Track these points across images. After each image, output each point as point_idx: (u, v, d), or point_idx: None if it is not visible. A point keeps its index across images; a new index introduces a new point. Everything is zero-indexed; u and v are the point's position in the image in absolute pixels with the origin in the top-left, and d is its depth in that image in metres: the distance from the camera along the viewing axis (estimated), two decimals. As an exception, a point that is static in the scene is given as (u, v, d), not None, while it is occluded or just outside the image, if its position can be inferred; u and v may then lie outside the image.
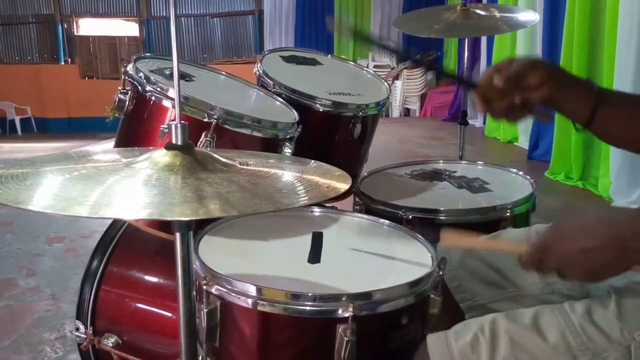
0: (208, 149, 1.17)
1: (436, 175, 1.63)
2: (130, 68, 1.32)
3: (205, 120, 1.20)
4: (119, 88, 1.32)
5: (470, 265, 1.11)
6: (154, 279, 1.34)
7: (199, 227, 1.09)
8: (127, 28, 11.99)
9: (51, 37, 11.82)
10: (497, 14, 2.07)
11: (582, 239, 0.76)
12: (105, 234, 1.38)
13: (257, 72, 1.58)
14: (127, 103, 1.31)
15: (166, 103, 1.25)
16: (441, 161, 1.78)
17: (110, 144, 1.50)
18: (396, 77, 8.81)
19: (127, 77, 1.31)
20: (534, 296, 1.05)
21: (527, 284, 1.07)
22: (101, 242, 1.37)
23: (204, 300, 0.91)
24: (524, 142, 5.52)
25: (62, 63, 11.70)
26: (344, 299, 0.84)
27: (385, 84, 1.78)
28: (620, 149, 1.03)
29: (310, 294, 0.85)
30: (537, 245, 0.81)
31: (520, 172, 1.63)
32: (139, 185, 0.72)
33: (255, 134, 1.26)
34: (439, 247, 1.13)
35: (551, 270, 0.80)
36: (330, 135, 1.54)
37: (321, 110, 1.48)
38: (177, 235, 0.76)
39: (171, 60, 0.78)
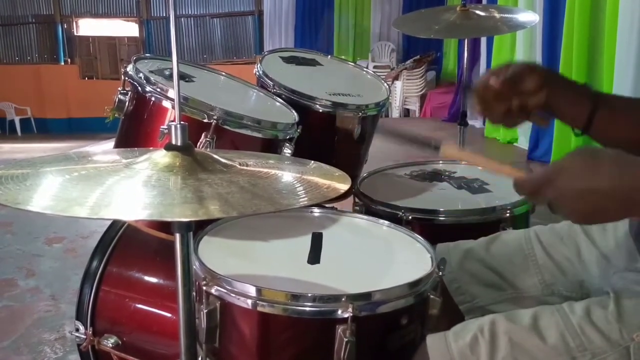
0: (208, 149, 1.17)
1: (436, 176, 1.63)
2: (130, 68, 1.32)
3: (205, 120, 1.20)
4: (119, 88, 1.32)
5: (469, 267, 1.11)
6: (153, 280, 1.34)
7: (198, 228, 1.09)
8: (127, 28, 11.99)
9: (51, 38, 11.82)
10: (497, 15, 2.07)
11: (586, 179, 0.72)
12: (104, 235, 1.38)
13: (257, 73, 1.58)
14: (127, 103, 1.31)
15: (166, 104, 1.25)
16: (441, 162, 1.78)
17: (110, 144, 1.50)
18: (396, 78, 8.80)
19: (127, 78, 1.31)
20: (533, 298, 1.05)
21: (527, 285, 1.07)
22: (101, 243, 1.37)
23: (203, 300, 0.91)
24: (523, 143, 5.52)
25: (62, 63, 11.70)
26: (343, 299, 0.84)
27: (385, 84, 1.78)
28: None
29: (309, 295, 0.85)
30: (539, 173, 0.78)
31: (520, 173, 1.63)
32: (138, 186, 0.72)
33: (255, 134, 1.26)
34: (438, 247, 1.13)
35: (544, 200, 0.77)
36: (330, 135, 1.54)
37: (321, 110, 1.48)
38: (177, 235, 0.76)
39: (171, 60, 0.78)
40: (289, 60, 1.73)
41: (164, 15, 11.60)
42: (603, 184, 0.71)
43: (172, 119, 1.20)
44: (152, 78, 1.27)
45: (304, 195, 0.76)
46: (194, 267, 0.93)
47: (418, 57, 8.85)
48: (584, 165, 0.74)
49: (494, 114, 0.97)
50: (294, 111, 1.43)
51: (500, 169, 0.93)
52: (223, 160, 0.81)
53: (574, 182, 0.73)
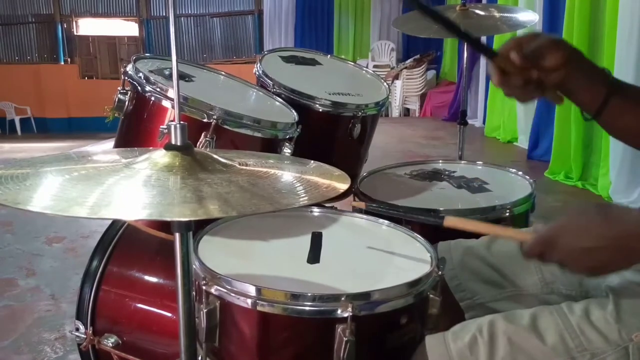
0: (207, 149, 1.17)
1: (436, 175, 1.63)
2: (129, 68, 1.32)
3: (205, 120, 1.20)
4: (119, 88, 1.32)
5: (470, 264, 1.11)
6: (153, 279, 1.34)
7: (198, 228, 1.09)
8: (127, 28, 11.98)
9: (51, 37, 11.81)
10: (497, 14, 2.07)
11: (586, 238, 0.77)
12: (105, 234, 1.38)
13: (257, 72, 1.58)
14: (126, 103, 1.31)
15: (165, 103, 1.25)
16: (441, 161, 1.79)
17: (109, 144, 1.50)
18: (396, 77, 8.81)
19: (126, 77, 1.31)
20: (534, 296, 1.05)
21: (527, 283, 1.07)
22: (101, 242, 1.37)
23: (203, 300, 0.91)
24: (523, 142, 5.52)
25: (62, 63, 11.69)
26: (343, 299, 0.84)
27: (385, 83, 1.78)
28: (623, 145, 1.02)
29: (309, 294, 0.85)
30: (541, 238, 0.81)
31: (520, 172, 1.63)
32: (138, 185, 0.72)
33: (255, 134, 1.26)
34: (439, 245, 1.14)
35: (552, 263, 0.81)
36: (330, 135, 1.54)
37: (321, 110, 1.48)
38: (177, 235, 0.76)
39: (170, 60, 0.78)
40: (288, 59, 1.73)
41: (164, 14, 11.58)
42: (604, 239, 0.76)
43: (171, 118, 1.20)
44: (151, 78, 1.27)
45: (303, 195, 0.76)
46: (194, 266, 0.93)
47: (418, 56, 8.86)
48: (581, 225, 0.79)
49: (510, 86, 0.94)
50: (293, 111, 1.43)
51: (505, 233, 0.95)
52: (223, 160, 0.81)
53: (576, 242, 0.78)
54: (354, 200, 1.47)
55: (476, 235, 1.17)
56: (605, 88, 0.92)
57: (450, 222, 0.94)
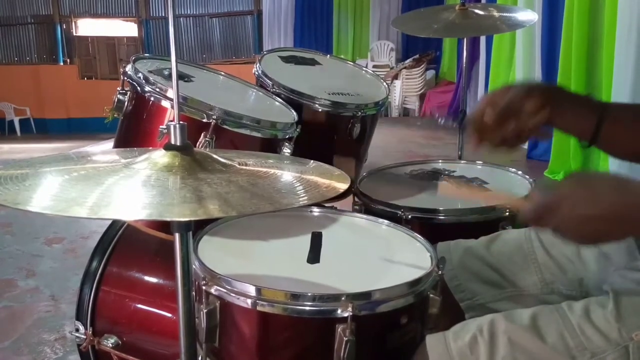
0: (207, 149, 1.17)
1: (435, 175, 1.63)
2: (129, 68, 1.32)
3: (204, 120, 1.20)
4: (118, 88, 1.32)
5: (470, 264, 1.11)
6: (153, 280, 1.34)
7: (198, 228, 1.09)
8: (126, 28, 11.98)
9: (50, 38, 11.81)
10: (496, 14, 2.07)
11: (586, 206, 0.75)
12: (104, 235, 1.38)
13: (256, 72, 1.58)
14: (126, 103, 1.31)
15: (165, 103, 1.25)
16: (440, 161, 1.78)
17: (109, 144, 1.50)
18: (395, 77, 8.80)
19: (126, 78, 1.31)
20: (534, 296, 1.05)
21: (527, 284, 1.07)
22: (100, 243, 1.37)
23: (203, 300, 0.91)
24: (523, 142, 5.51)
25: (61, 63, 11.69)
26: (343, 298, 0.84)
27: (384, 83, 1.78)
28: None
29: (309, 294, 0.85)
30: (539, 204, 0.80)
31: (519, 172, 1.63)
32: (138, 185, 0.72)
33: (254, 134, 1.26)
34: (439, 245, 1.13)
35: (549, 228, 0.80)
36: (330, 135, 1.54)
37: (320, 110, 1.48)
38: (176, 235, 0.76)
39: (170, 60, 0.78)
40: (288, 59, 1.73)
41: (163, 15, 11.58)
42: (604, 209, 0.75)
43: (171, 118, 1.20)
44: (151, 78, 1.27)
45: (303, 195, 0.76)
46: (194, 266, 0.93)
47: (417, 56, 8.85)
48: (583, 192, 0.77)
49: (492, 140, 0.96)
50: (293, 111, 1.43)
51: (502, 199, 0.95)
52: (222, 160, 0.81)
53: (576, 209, 0.76)
54: (354, 200, 1.47)
55: (474, 236, 1.17)
56: (594, 115, 0.93)
57: (444, 189, 0.94)
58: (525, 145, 5.24)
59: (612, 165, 3.65)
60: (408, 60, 8.97)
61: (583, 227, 0.76)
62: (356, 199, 1.47)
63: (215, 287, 0.90)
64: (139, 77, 1.28)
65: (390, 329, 0.89)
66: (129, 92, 1.31)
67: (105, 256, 1.34)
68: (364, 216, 1.25)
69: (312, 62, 1.77)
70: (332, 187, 0.80)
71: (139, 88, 1.28)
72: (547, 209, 0.79)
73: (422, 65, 8.77)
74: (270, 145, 1.30)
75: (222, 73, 1.63)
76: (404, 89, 8.81)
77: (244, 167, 0.83)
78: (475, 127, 0.95)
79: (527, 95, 0.93)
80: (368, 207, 1.41)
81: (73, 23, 11.82)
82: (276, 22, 10.50)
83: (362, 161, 1.69)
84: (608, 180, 0.78)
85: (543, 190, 0.83)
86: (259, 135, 1.27)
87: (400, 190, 1.51)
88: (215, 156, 0.81)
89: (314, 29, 10.21)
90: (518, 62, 5.31)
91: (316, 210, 1.26)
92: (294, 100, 1.47)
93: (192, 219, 0.66)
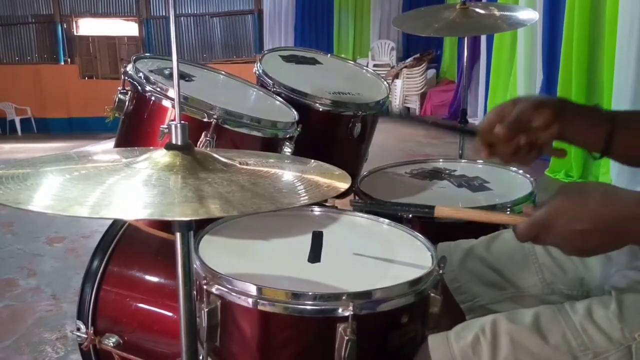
0: (208, 148, 1.17)
1: (436, 174, 1.63)
2: (129, 68, 1.32)
3: (205, 120, 1.20)
4: (119, 88, 1.32)
5: (470, 266, 1.11)
6: (154, 279, 1.34)
7: (199, 227, 1.09)
8: (127, 28, 11.98)
9: (51, 37, 11.81)
10: (497, 13, 2.06)
11: (580, 221, 0.76)
12: (105, 234, 1.38)
13: (257, 72, 1.58)
14: (127, 103, 1.31)
15: (166, 103, 1.25)
16: (441, 160, 1.78)
17: (110, 144, 1.50)
18: (396, 76, 8.80)
19: (126, 77, 1.32)
20: (535, 297, 1.05)
21: (528, 284, 1.07)
22: (102, 242, 1.37)
23: (204, 299, 0.91)
24: (524, 141, 5.51)
25: (62, 63, 11.68)
26: (344, 298, 0.84)
27: (385, 82, 1.78)
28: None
29: (310, 293, 0.85)
30: (535, 221, 0.80)
31: (520, 171, 1.63)
32: (139, 185, 0.72)
33: (255, 133, 1.26)
34: (439, 246, 1.13)
35: (546, 245, 0.81)
36: (330, 134, 1.54)
37: (321, 109, 1.48)
38: (178, 235, 0.76)
39: (171, 60, 0.78)
40: (288, 59, 1.73)
41: (164, 14, 11.58)
42: (596, 224, 0.76)
43: (172, 118, 1.20)
44: (152, 77, 1.27)
45: (304, 194, 0.76)
46: (195, 266, 0.93)
47: (418, 55, 8.85)
48: (575, 207, 0.78)
49: (503, 154, 0.95)
50: (293, 110, 1.43)
51: (498, 219, 0.94)
52: (223, 160, 0.81)
53: (569, 225, 0.77)
54: (354, 199, 1.47)
55: (475, 235, 1.16)
56: (604, 125, 0.91)
57: (440, 212, 0.93)
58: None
59: (613, 167, 3.65)
60: (409, 60, 8.96)
61: (579, 242, 0.77)
62: (357, 198, 1.47)
63: (216, 286, 0.90)
64: (140, 77, 1.29)
65: (391, 328, 0.89)
66: (129, 92, 1.31)
67: (107, 255, 1.34)
68: (365, 215, 1.25)
69: (313, 62, 1.77)
70: (333, 186, 0.80)
71: (139, 87, 1.28)
72: (541, 228, 0.80)
73: (423, 65, 8.76)
74: (271, 145, 1.30)
75: (223, 72, 1.63)
76: (405, 88, 8.80)
77: (244, 167, 0.83)
78: (485, 139, 0.94)
79: (536, 109, 0.91)
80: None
81: (74, 23, 11.82)
82: (277, 21, 10.50)
83: (362, 160, 1.69)
84: (598, 193, 0.78)
85: (534, 208, 0.83)
86: (259, 134, 1.27)
87: (401, 189, 1.51)
88: (216, 156, 0.81)
89: (315, 28, 10.20)
90: (519, 61, 5.31)
91: (317, 210, 1.26)
92: (295, 99, 1.47)
93: (193, 218, 0.67)
